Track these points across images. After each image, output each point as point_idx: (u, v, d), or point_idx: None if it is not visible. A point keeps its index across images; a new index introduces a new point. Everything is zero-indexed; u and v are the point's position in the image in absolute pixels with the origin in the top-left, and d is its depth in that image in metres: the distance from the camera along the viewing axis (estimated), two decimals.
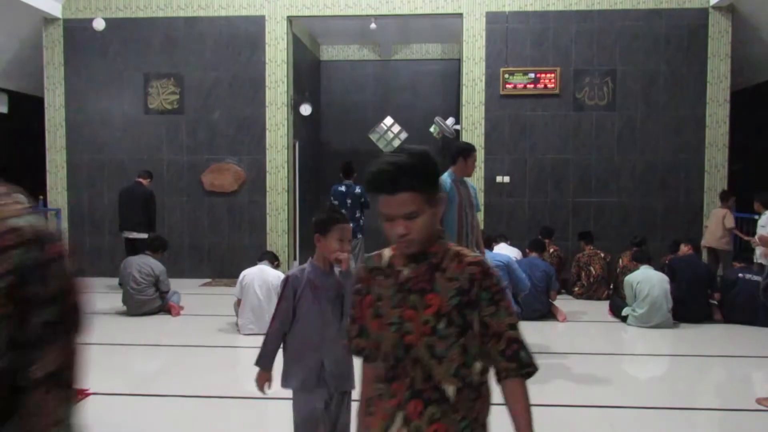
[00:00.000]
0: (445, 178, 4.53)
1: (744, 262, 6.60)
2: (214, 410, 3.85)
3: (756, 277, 6.17)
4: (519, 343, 1.51)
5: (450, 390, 1.49)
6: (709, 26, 8.26)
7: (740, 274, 6.25)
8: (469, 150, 4.63)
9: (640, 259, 6.28)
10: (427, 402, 1.50)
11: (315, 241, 2.56)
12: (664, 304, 5.85)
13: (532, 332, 5.59)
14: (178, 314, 6.40)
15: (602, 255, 7.38)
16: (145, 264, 6.36)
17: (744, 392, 4.22)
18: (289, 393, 4.30)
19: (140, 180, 7.68)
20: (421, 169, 1.49)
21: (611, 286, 7.29)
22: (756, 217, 7.40)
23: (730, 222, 7.36)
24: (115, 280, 8.14)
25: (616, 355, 5.23)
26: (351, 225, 2.65)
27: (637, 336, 5.75)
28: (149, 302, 6.33)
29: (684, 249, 6.96)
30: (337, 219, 2.54)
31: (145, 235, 7.30)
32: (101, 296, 7.48)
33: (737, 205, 8.16)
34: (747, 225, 7.76)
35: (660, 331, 5.80)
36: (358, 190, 7.38)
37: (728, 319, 6.11)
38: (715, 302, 6.29)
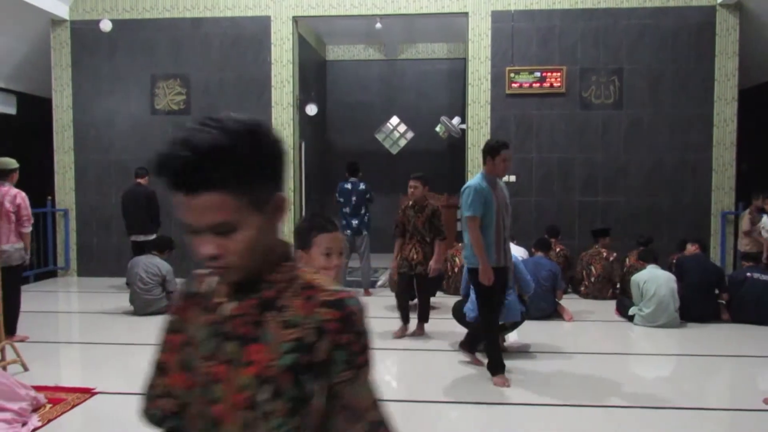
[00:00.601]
0: (479, 179, 4.25)
1: (752, 261, 6.55)
2: None
3: (765, 277, 6.13)
4: (385, 427, 1.03)
5: None
6: (717, 24, 8.21)
7: (748, 274, 6.21)
8: (496, 148, 4.27)
9: (646, 259, 6.25)
10: None
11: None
12: (671, 303, 5.83)
13: (538, 332, 5.58)
14: None
15: (604, 254, 7.31)
16: (152, 264, 6.38)
17: (751, 392, 4.20)
18: None
19: (140, 180, 7.69)
20: (239, 153, 0.91)
21: (617, 285, 7.26)
22: (764, 216, 7.36)
23: (745, 224, 7.21)
24: (123, 280, 8.19)
25: (622, 354, 5.21)
26: (342, 235, 1.94)
27: (644, 336, 5.72)
28: (156, 302, 6.35)
29: (691, 249, 6.92)
30: (320, 226, 1.96)
31: (152, 236, 7.33)
32: (108, 296, 7.53)
33: (745, 205, 8.10)
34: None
35: (667, 330, 5.77)
36: (362, 186, 7.41)
37: (736, 319, 6.07)
38: (723, 302, 6.25)
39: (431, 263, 5.37)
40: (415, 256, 5.41)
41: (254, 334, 0.99)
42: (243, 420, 0.98)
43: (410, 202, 5.51)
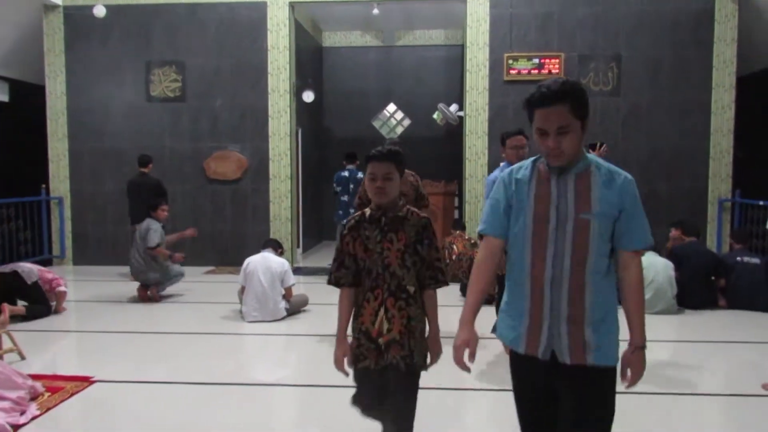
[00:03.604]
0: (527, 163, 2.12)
1: (741, 243, 6.50)
2: (217, 397, 3.85)
3: (753, 259, 6.15)
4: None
5: None
6: (716, 10, 8.16)
7: (738, 258, 6.21)
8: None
9: None
10: None
11: None
12: (669, 290, 5.84)
13: None
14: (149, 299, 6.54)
15: None
16: (145, 224, 6.63)
17: (750, 378, 4.21)
18: (295, 380, 4.31)
19: (144, 170, 7.68)
20: None
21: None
22: (761, 203, 7.37)
23: None
24: (122, 269, 8.17)
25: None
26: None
27: None
28: (141, 266, 6.50)
29: (674, 233, 6.76)
30: None
31: None
32: (105, 284, 7.50)
33: (743, 192, 8.11)
34: (754, 211, 7.72)
35: (664, 317, 5.78)
36: (360, 174, 7.38)
37: (732, 305, 6.10)
38: (720, 288, 6.25)
39: (431, 343, 2.51)
40: (385, 327, 2.44)
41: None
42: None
43: (369, 211, 2.53)
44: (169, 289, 6.76)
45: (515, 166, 2.11)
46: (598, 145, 4.83)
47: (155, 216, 6.67)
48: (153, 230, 6.53)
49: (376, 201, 2.49)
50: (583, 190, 1.95)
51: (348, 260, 2.52)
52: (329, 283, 2.57)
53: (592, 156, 2.03)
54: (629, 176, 1.99)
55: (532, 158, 2.08)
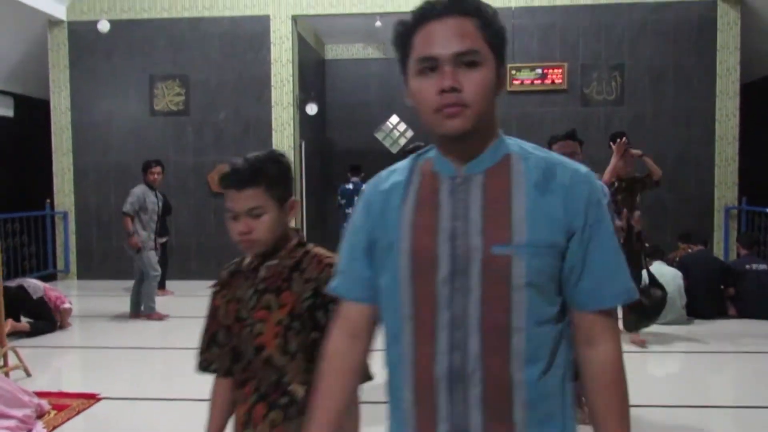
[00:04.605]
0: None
1: (748, 248, 6.45)
2: None
3: (762, 266, 6.10)
4: None
5: None
6: (718, 18, 8.17)
7: (747, 266, 6.16)
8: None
9: (652, 255, 6.21)
10: None
11: None
12: (678, 300, 5.79)
13: None
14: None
15: None
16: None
17: (760, 388, 4.16)
18: None
19: None
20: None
21: None
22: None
23: None
24: (124, 283, 8.13)
25: (628, 352, 5.17)
26: None
27: (651, 332, 5.68)
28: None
29: (682, 246, 6.82)
30: None
31: (164, 239, 7.17)
32: (109, 299, 7.47)
33: (748, 198, 8.08)
34: (761, 219, 7.68)
35: (674, 327, 5.73)
36: (365, 187, 7.39)
37: (742, 314, 6.05)
38: (729, 296, 6.21)
39: None
40: None
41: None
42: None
43: (247, 259, 1.65)
44: (173, 307, 6.72)
45: (384, 171, 1.25)
46: (618, 138, 4.26)
47: (145, 180, 6.33)
48: (131, 194, 6.19)
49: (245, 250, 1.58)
50: (499, 199, 1.06)
51: (222, 334, 1.60)
52: (197, 368, 1.64)
53: (514, 139, 1.14)
54: (583, 169, 1.09)
55: (412, 156, 1.21)
